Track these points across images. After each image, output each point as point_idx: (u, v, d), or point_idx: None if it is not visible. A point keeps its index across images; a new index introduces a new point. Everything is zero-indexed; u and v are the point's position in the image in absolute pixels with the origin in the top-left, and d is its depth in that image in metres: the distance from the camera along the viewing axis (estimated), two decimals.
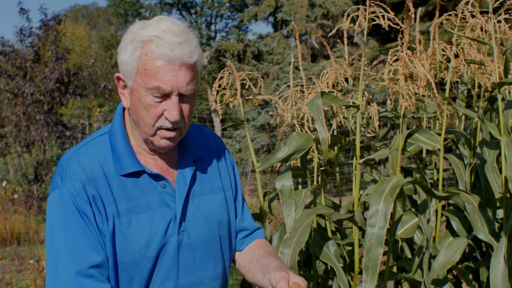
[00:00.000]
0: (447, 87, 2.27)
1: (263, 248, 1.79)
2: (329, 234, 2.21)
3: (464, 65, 2.36)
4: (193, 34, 1.60)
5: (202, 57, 1.62)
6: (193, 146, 1.76)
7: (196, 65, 1.59)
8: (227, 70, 2.09)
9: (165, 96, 1.54)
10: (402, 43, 1.89)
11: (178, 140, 1.63)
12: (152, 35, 1.54)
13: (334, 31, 1.97)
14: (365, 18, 1.90)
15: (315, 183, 2.19)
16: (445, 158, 2.40)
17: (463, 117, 2.69)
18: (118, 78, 1.63)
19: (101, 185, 1.57)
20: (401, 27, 1.88)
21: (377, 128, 2.21)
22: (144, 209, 1.59)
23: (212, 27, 23.45)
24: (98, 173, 1.58)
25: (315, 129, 2.11)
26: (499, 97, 2.14)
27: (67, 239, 1.51)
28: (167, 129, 1.58)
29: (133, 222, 1.57)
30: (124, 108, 1.70)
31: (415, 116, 2.36)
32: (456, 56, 2.31)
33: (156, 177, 1.64)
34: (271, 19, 17.69)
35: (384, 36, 15.03)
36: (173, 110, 1.54)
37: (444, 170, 2.47)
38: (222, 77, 2.08)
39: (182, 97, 1.57)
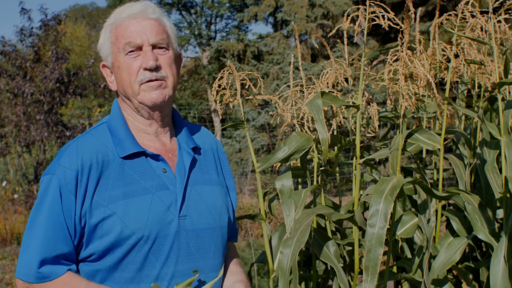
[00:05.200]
0: (447, 87, 2.27)
1: (233, 252, 1.88)
2: (329, 234, 2.21)
3: (464, 65, 2.36)
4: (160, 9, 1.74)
5: (170, 23, 1.74)
6: (190, 135, 1.80)
7: (162, 23, 1.69)
8: (227, 70, 2.09)
9: (139, 50, 1.64)
10: (402, 43, 1.89)
11: (167, 94, 1.67)
12: (117, 12, 1.70)
13: (334, 31, 1.97)
14: (365, 18, 1.90)
15: (315, 183, 2.19)
16: (445, 158, 2.40)
17: (463, 117, 2.69)
18: (103, 66, 1.74)
19: (98, 171, 1.61)
20: (401, 27, 1.88)
21: (377, 128, 2.22)
22: (143, 192, 1.61)
23: (212, 27, 23.47)
24: (96, 160, 1.61)
25: (315, 129, 2.11)
26: (499, 97, 2.14)
27: (44, 224, 1.58)
28: (150, 81, 1.64)
29: (130, 204, 1.59)
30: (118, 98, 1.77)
31: (415, 116, 2.36)
32: (456, 56, 2.31)
33: (156, 158, 1.67)
34: (271, 19, 17.71)
35: (384, 36, 15.04)
36: (146, 58, 1.63)
37: (444, 170, 2.47)
38: (222, 77, 2.08)
39: (157, 50, 1.66)
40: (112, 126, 1.70)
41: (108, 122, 1.72)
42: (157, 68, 1.64)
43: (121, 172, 1.62)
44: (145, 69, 1.63)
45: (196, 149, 1.77)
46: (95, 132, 1.70)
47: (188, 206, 1.66)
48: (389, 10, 1.88)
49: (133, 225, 1.58)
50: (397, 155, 1.95)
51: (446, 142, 2.56)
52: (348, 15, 1.92)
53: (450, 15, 2.21)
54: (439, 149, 2.09)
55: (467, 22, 2.19)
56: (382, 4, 1.91)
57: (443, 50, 2.30)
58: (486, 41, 2.18)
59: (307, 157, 2.25)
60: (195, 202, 1.67)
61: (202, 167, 1.76)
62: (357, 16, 1.91)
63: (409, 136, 2.03)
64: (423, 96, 2.25)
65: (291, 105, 2.22)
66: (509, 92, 2.40)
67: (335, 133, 2.27)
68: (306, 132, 2.16)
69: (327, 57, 14.83)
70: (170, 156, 1.71)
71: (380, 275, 1.92)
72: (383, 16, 1.87)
